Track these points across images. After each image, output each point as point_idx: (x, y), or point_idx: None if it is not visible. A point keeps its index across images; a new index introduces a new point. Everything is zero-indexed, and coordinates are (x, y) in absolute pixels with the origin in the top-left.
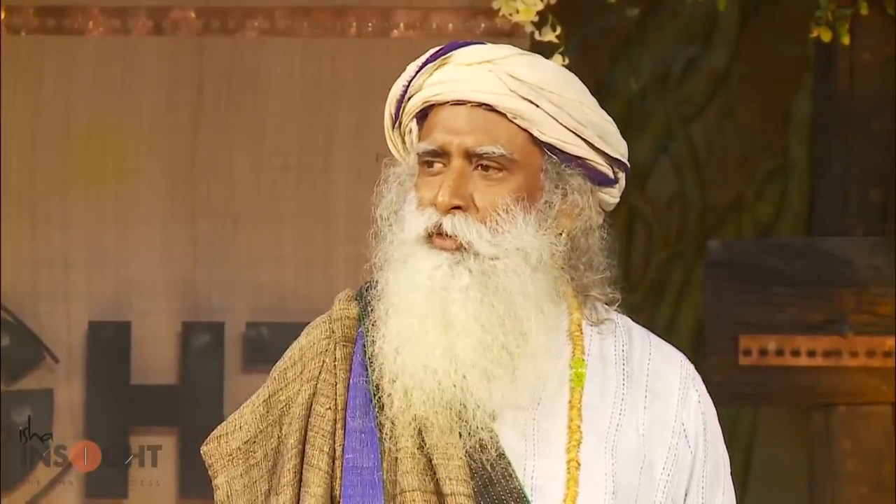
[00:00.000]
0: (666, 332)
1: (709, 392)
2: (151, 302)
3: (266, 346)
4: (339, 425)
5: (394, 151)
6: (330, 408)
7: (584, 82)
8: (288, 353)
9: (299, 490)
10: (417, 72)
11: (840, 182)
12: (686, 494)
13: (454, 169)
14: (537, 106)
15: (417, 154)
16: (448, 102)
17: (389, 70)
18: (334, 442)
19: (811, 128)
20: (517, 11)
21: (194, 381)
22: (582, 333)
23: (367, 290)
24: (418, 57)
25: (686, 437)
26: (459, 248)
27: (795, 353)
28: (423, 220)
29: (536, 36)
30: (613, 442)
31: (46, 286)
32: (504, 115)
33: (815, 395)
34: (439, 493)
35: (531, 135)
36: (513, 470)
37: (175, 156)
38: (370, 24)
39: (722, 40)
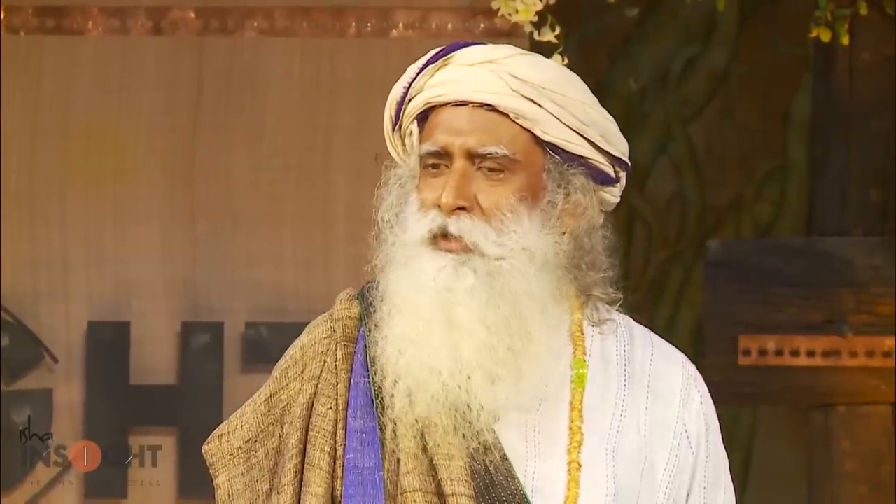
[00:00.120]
0: (665, 333)
1: (708, 392)
2: (151, 302)
3: (265, 346)
4: (340, 425)
5: (393, 154)
6: (331, 408)
7: (583, 82)
8: (289, 351)
9: (300, 489)
10: (418, 73)
11: (839, 182)
12: (688, 495)
13: (457, 170)
14: (540, 106)
15: (419, 156)
16: (450, 103)
17: (389, 70)
18: (335, 442)
19: (810, 128)
20: (516, 11)
21: (194, 381)
22: (583, 334)
23: (368, 290)
24: (418, 57)
25: (688, 437)
26: (465, 249)
27: (795, 353)
28: (427, 222)
29: (535, 36)
30: (614, 443)
31: (46, 286)
32: (506, 115)
33: (814, 395)
34: (441, 494)
35: (533, 135)
36: (514, 471)
37: (174, 156)
38: (369, 24)
39: (721, 40)
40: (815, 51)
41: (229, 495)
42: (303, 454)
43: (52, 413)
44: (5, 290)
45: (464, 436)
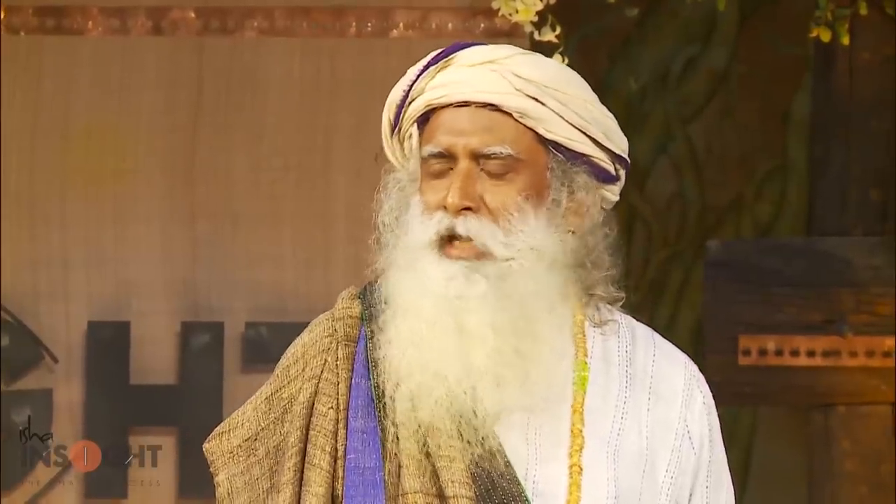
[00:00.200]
0: (665, 333)
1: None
2: (151, 302)
3: (265, 346)
4: (341, 425)
5: (392, 158)
6: (332, 407)
7: (583, 80)
8: (290, 349)
9: (300, 489)
10: (418, 76)
11: (839, 182)
12: (691, 495)
13: (461, 170)
14: (543, 104)
15: (422, 157)
16: (451, 105)
17: (389, 70)
18: (336, 441)
19: (810, 128)
20: (516, 11)
21: (194, 381)
22: (585, 335)
23: (370, 290)
24: (418, 57)
25: (690, 439)
26: (476, 255)
27: (795, 353)
28: (434, 224)
29: (536, 36)
30: (616, 446)
31: (46, 286)
32: (509, 114)
33: (814, 395)
34: (442, 496)
35: (537, 134)
36: (515, 474)
37: (174, 156)
38: (369, 24)
39: (721, 40)
40: (816, 51)
41: (229, 493)
42: (303, 453)
43: (52, 413)
44: (5, 290)
45: (466, 439)
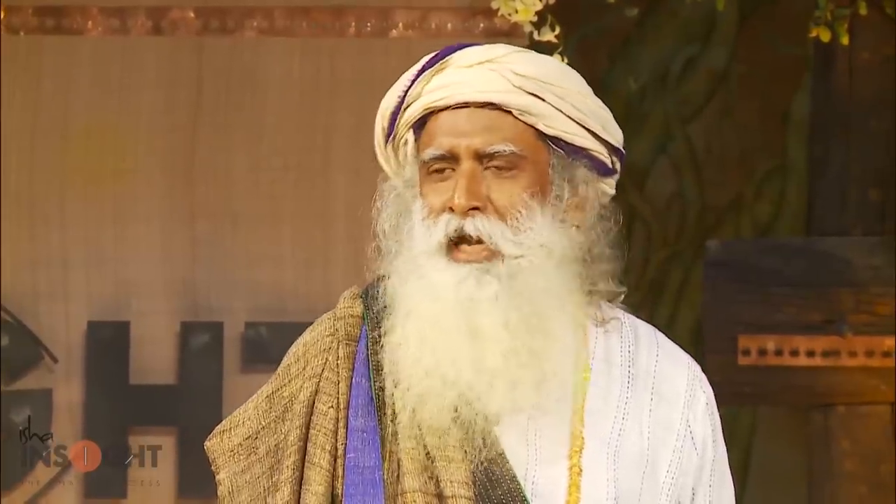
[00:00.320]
0: (665, 333)
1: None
2: (150, 302)
3: (265, 345)
4: (341, 424)
5: (386, 167)
6: (332, 406)
7: (578, 73)
8: (292, 349)
9: (299, 487)
10: (413, 81)
11: (839, 182)
12: (693, 495)
13: (466, 171)
14: (542, 100)
15: (423, 161)
16: (450, 107)
17: (388, 70)
18: (336, 440)
19: (810, 128)
20: (516, 11)
21: (193, 381)
22: (587, 335)
23: (372, 289)
24: (417, 57)
25: (692, 439)
26: (486, 257)
27: (794, 353)
28: (442, 227)
29: (535, 36)
30: (616, 447)
31: (45, 286)
32: (509, 112)
33: (813, 395)
34: (440, 496)
35: (537, 130)
36: (515, 475)
37: (174, 155)
38: (369, 24)
39: (721, 40)
40: (815, 51)
41: (230, 491)
42: (303, 451)
43: (52, 413)
44: (5, 290)
45: (466, 439)
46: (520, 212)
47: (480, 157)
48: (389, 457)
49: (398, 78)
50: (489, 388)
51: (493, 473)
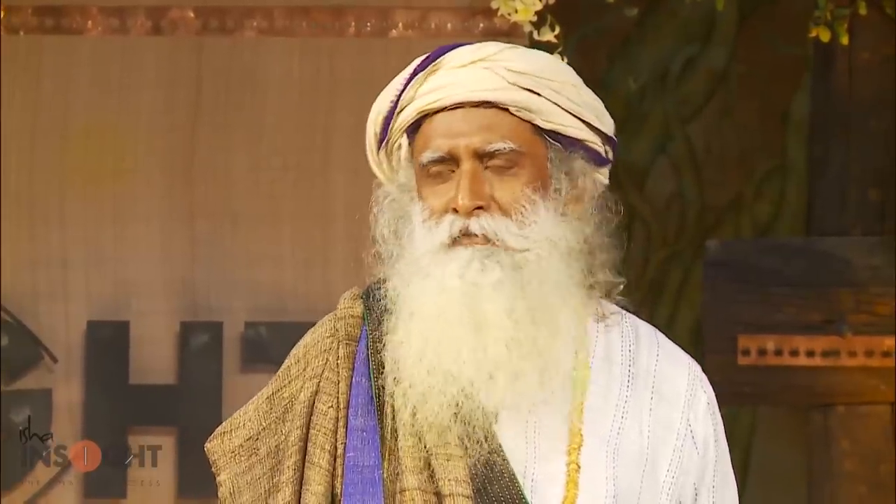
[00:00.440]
0: (664, 333)
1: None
2: (150, 301)
3: (264, 345)
4: (341, 423)
5: (378, 172)
6: (332, 406)
7: (568, 66)
8: (293, 350)
9: (300, 487)
10: (406, 84)
11: (838, 182)
12: (697, 495)
13: (467, 171)
14: (539, 94)
15: (421, 165)
16: (445, 108)
17: (388, 70)
18: (336, 440)
19: (810, 128)
20: (516, 11)
21: (193, 381)
22: (587, 332)
23: (373, 290)
24: (417, 56)
25: (693, 439)
26: (488, 241)
27: (794, 353)
28: (445, 228)
29: (535, 36)
30: (615, 445)
31: (45, 286)
32: (505, 109)
33: (813, 395)
34: (439, 493)
35: (533, 125)
36: (513, 472)
37: (173, 155)
38: (369, 24)
39: (720, 40)
40: (815, 51)
41: (231, 493)
42: (303, 452)
43: (52, 413)
44: (5, 290)
45: (465, 437)
46: (524, 207)
47: (480, 156)
48: (389, 455)
49: (406, 68)
50: (490, 379)
51: (492, 470)
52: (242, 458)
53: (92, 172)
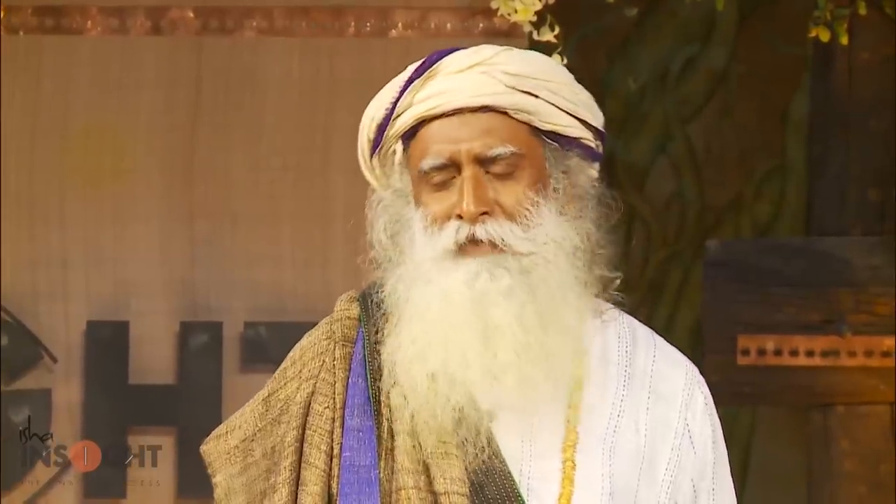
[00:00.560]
0: (664, 332)
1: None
2: (149, 301)
3: (264, 345)
4: (337, 424)
5: (371, 179)
6: (328, 406)
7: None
8: (290, 353)
9: (296, 488)
10: (401, 91)
11: (838, 182)
12: (696, 495)
13: (470, 177)
14: (537, 96)
15: (421, 171)
16: (444, 114)
17: (388, 70)
18: (332, 440)
19: (809, 128)
20: (515, 11)
21: (192, 381)
22: (584, 331)
23: (370, 293)
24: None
25: (691, 438)
26: (495, 249)
27: (794, 353)
28: (450, 234)
29: (535, 36)
30: (612, 443)
31: (45, 286)
32: (503, 112)
33: (813, 395)
34: (434, 492)
35: (530, 126)
36: (509, 470)
37: (173, 155)
38: (368, 24)
39: (720, 40)
40: (814, 51)
41: (227, 494)
42: (299, 452)
43: (51, 413)
44: (5, 290)
45: (461, 436)
46: (528, 210)
47: (482, 161)
48: (385, 455)
49: (401, 74)
50: (496, 383)
51: (488, 469)
52: (238, 460)
53: (92, 172)
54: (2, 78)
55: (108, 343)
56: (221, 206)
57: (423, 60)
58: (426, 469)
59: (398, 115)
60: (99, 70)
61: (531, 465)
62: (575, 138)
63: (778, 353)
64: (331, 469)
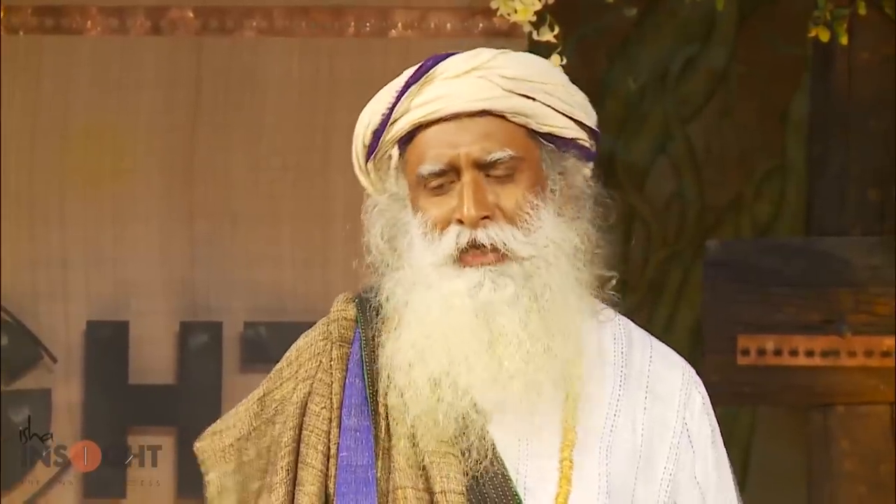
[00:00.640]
0: (664, 332)
1: (707, 392)
2: (149, 301)
3: (264, 345)
4: (334, 424)
5: (366, 184)
6: (325, 406)
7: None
8: (286, 353)
9: (293, 488)
10: (398, 97)
11: (838, 182)
12: (703, 497)
13: (470, 182)
14: (534, 99)
15: (420, 177)
16: (441, 119)
17: (387, 70)
18: (329, 440)
19: (809, 128)
20: (515, 11)
21: (192, 381)
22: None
23: (367, 293)
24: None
25: (689, 437)
26: (498, 258)
27: (794, 353)
28: (451, 239)
29: (534, 36)
30: (608, 442)
31: (45, 286)
32: (501, 116)
33: (813, 395)
34: (431, 491)
35: (527, 129)
36: (506, 469)
37: (173, 155)
38: (368, 24)
39: (720, 40)
40: (814, 51)
41: (220, 492)
42: (296, 453)
43: (51, 413)
44: (5, 290)
45: (458, 435)
46: (528, 213)
47: (481, 165)
48: (382, 455)
49: (396, 79)
50: (503, 391)
51: (485, 468)
52: (232, 458)
53: (92, 172)
54: (2, 78)
55: (108, 343)
56: (221, 206)
57: (418, 65)
58: (423, 469)
59: (395, 121)
60: (99, 70)
61: (528, 464)
62: (571, 139)
63: (778, 353)
64: (328, 469)
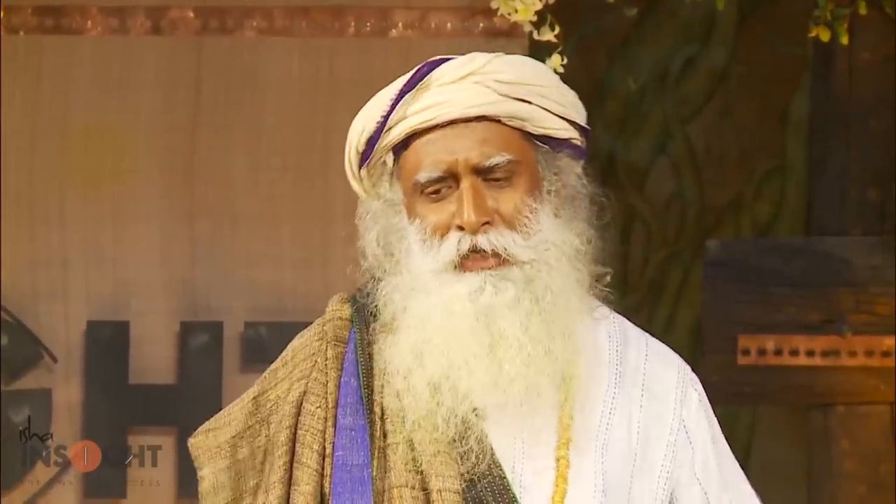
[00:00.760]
0: (664, 332)
1: (707, 392)
2: (150, 301)
3: (264, 345)
4: (329, 423)
5: (359, 189)
6: (320, 406)
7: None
8: (282, 353)
9: (289, 487)
10: (393, 104)
11: (838, 182)
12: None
13: (469, 187)
14: (530, 103)
15: (417, 183)
16: (438, 126)
17: (388, 70)
18: (324, 440)
19: (809, 127)
20: (515, 11)
21: (193, 381)
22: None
23: (362, 294)
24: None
25: (687, 434)
26: (499, 263)
27: (794, 353)
28: (452, 246)
29: (535, 35)
30: (604, 440)
31: (45, 286)
32: (497, 120)
33: (813, 395)
34: (427, 490)
35: (522, 132)
36: (502, 468)
37: (173, 155)
38: (368, 24)
39: (720, 40)
40: (815, 50)
41: (214, 487)
42: (291, 452)
43: (52, 413)
44: (5, 290)
45: (454, 434)
46: (527, 217)
47: (479, 170)
48: (378, 454)
49: (397, 79)
50: (503, 395)
51: (481, 467)
52: (226, 455)
53: (92, 172)
54: (2, 78)
55: (108, 343)
56: (221, 206)
57: (413, 72)
58: (419, 467)
59: (390, 128)
60: (99, 70)
61: (524, 463)
62: (564, 139)
63: (778, 352)
64: (323, 468)
